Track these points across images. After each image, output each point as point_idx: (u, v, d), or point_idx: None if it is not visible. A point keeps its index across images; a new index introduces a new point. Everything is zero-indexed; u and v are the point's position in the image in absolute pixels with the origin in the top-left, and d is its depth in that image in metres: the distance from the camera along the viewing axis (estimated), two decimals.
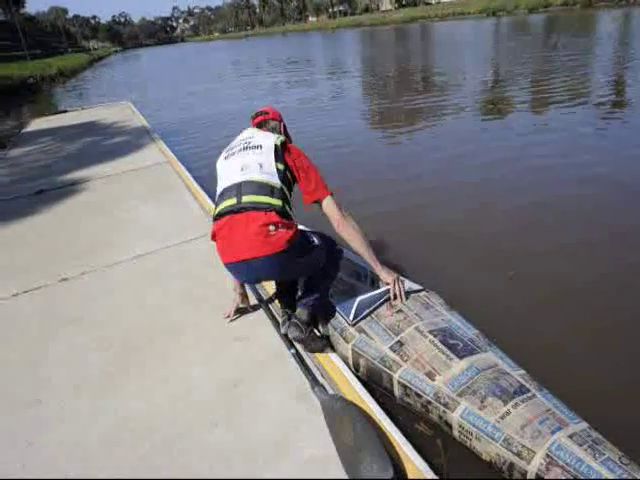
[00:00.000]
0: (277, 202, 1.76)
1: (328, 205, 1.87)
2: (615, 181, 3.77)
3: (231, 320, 2.15)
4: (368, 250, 1.91)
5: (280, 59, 22.66)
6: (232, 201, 1.77)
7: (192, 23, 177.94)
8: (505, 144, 5.10)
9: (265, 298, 2.29)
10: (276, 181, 1.79)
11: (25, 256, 3.18)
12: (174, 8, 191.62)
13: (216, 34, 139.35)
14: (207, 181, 4.48)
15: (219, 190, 1.88)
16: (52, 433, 1.66)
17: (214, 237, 1.86)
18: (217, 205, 1.85)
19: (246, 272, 1.83)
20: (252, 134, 1.97)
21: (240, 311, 2.18)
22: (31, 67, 24.63)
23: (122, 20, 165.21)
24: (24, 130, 8.96)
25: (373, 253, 1.93)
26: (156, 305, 2.38)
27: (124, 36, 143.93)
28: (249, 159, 1.83)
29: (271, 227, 1.69)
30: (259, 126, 2.05)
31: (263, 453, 1.48)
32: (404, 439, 1.49)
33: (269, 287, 2.37)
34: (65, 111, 11.16)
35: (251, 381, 1.79)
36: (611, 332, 2.14)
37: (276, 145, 1.86)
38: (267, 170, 1.80)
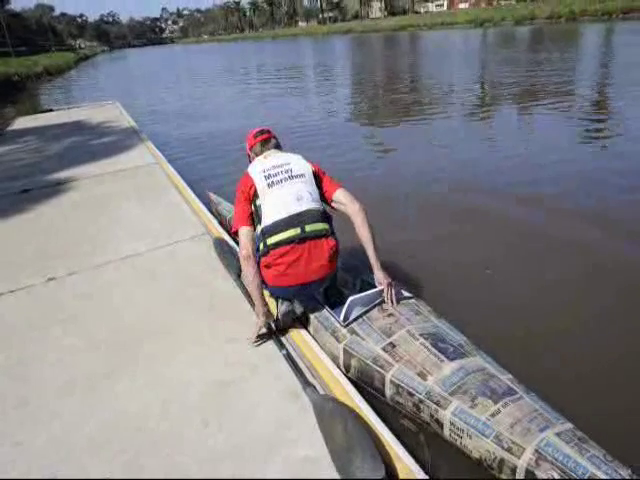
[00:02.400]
0: (327, 225, 1.99)
1: (344, 193, 2.05)
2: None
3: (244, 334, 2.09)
4: (375, 243, 2.00)
5: (274, 65, 22.66)
6: (295, 231, 1.90)
7: (181, 25, 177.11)
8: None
9: None
10: (322, 207, 2.02)
11: (10, 256, 3.13)
12: (163, 9, 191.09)
13: (205, 37, 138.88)
14: (196, 183, 4.48)
15: (272, 219, 1.93)
16: (40, 433, 1.64)
17: (265, 264, 1.94)
18: (271, 234, 1.91)
19: (307, 291, 2.02)
20: (287, 160, 2.07)
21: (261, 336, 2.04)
22: (16, 64, 24.22)
23: (110, 19, 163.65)
24: (8, 128, 8.81)
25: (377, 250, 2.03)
26: (146, 306, 2.36)
27: (112, 36, 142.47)
28: (299, 188, 1.98)
29: (333, 250, 1.97)
30: (275, 146, 2.22)
31: (254, 453, 1.49)
32: (395, 439, 1.52)
33: None
34: (51, 110, 11.01)
35: (242, 382, 1.80)
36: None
37: (313, 172, 2.06)
38: (315, 198, 2.01)
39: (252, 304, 2.15)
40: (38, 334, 2.22)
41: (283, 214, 1.92)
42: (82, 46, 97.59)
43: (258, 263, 1.95)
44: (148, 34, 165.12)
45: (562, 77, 9.95)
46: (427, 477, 1.40)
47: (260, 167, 2.04)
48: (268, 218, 1.93)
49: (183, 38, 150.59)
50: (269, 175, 1.99)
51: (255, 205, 1.99)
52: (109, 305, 2.41)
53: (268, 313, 1.99)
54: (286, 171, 2.01)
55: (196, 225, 3.34)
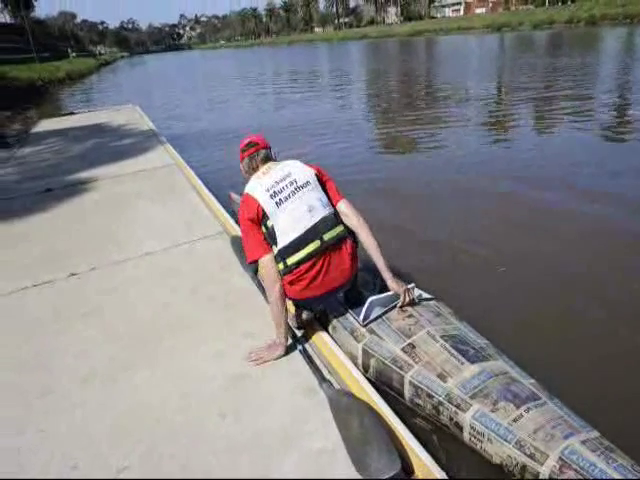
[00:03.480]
0: (343, 226, 1.95)
1: (347, 205, 2.00)
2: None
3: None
4: (383, 255, 1.96)
5: (293, 71, 22.81)
6: (315, 244, 1.85)
7: (198, 31, 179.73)
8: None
9: None
10: (333, 209, 1.96)
11: (33, 252, 3.21)
12: (181, 15, 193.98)
13: (222, 42, 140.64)
14: (214, 183, 4.54)
15: (289, 239, 1.83)
16: (62, 422, 1.68)
17: (288, 281, 1.88)
18: (290, 253, 1.83)
19: (332, 297, 2.03)
20: (287, 171, 1.94)
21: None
22: (39, 69, 24.85)
23: (130, 26, 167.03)
24: (32, 130, 9.05)
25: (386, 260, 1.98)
26: (165, 301, 2.40)
27: (131, 42, 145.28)
28: (308, 198, 1.90)
29: (353, 250, 1.96)
30: (265, 159, 2.03)
31: (270, 444, 1.50)
32: (411, 435, 1.51)
33: None
34: (72, 113, 11.26)
35: (259, 376, 1.81)
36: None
37: (316, 175, 1.98)
38: (325, 202, 1.94)
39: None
40: (61, 326, 2.27)
41: (299, 231, 1.84)
42: (102, 52, 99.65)
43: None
44: (166, 40, 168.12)
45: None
46: (444, 475, 1.38)
47: (262, 186, 1.88)
48: (284, 238, 1.84)
49: (200, 44, 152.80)
50: (274, 193, 1.86)
51: (266, 226, 1.86)
52: (129, 300, 2.46)
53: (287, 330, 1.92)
54: (290, 184, 1.89)
55: (214, 224, 3.38)
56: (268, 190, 1.87)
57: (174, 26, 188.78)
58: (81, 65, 35.94)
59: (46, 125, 9.50)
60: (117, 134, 7.70)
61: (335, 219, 1.93)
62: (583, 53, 16.12)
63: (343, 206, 1.98)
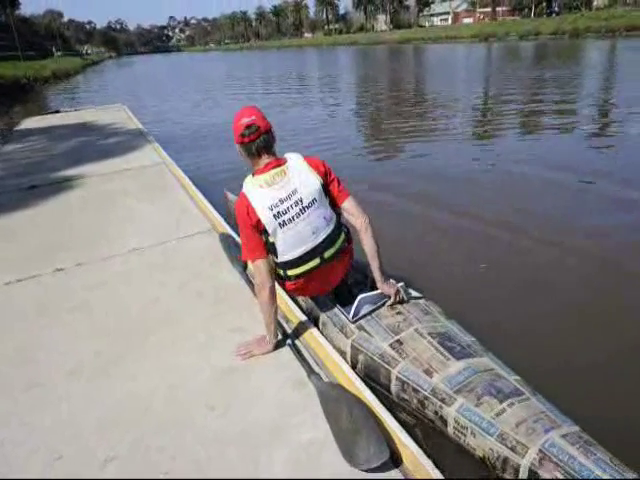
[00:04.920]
0: (343, 235, 1.98)
1: (353, 204, 1.95)
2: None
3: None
4: (380, 257, 1.97)
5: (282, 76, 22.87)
6: (315, 262, 1.89)
7: (188, 33, 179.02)
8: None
9: None
10: (336, 218, 1.95)
11: (18, 247, 3.16)
12: (170, 17, 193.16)
13: (212, 45, 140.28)
14: (203, 183, 4.53)
15: (289, 256, 1.84)
16: (47, 415, 1.66)
17: (287, 285, 1.98)
18: (289, 267, 1.88)
19: (324, 296, 2.14)
20: (293, 187, 1.79)
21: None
22: (25, 68, 24.50)
23: (118, 27, 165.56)
24: (16, 128, 8.90)
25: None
26: (153, 296, 2.39)
27: (119, 42, 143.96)
28: (313, 219, 1.83)
29: (350, 259, 2.07)
30: (266, 147, 1.82)
31: (260, 436, 1.50)
32: (398, 425, 1.53)
33: None
34: (58, 111, 11.11)
35: (247, 369, 1.81)
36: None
37: (322, 184, 1.86)
38: (329, 217, 1.90)
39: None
40: (46, 321, 2.24)
41: (301, 251, 1.84)
42: (89, 52, 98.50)
43: (278, 280, 1.97)
44: (155, 42, 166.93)
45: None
46: (432, 464, 1.40)
47: (264, 202, 1.76)
48: (284, 255, 1.84)
49: (190, 46, 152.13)
50: (278, 213, 1.76)
51: (267, 239, 1.82)
52: (116, 295, 2.44)
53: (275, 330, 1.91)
54: (296, 203, 1.78)
55: (202, 222, 3.37)
56: (271, 209, 1.76)
57: (163, 28, 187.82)
58: (67, 64, 35.48)
59: (31, 123, 9.35)
60: (104, 133, 7.62)
61: (337, 232, 1.93)
62: (568, 63, 16.48)
63: (348, 205, 1.94)
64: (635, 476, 1.23)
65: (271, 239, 1.81)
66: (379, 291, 2.02)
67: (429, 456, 1.43)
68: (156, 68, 40.83)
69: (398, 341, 1.81)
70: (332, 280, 2.06)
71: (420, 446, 1.47)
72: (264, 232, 1.80)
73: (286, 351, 1.90)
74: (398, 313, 1.96)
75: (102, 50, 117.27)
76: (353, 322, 1.96)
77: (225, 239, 2.88)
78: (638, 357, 2.08)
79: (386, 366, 1.76)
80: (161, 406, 1.66)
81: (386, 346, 1.81)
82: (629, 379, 1.96)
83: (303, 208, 1.80)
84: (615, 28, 32.04)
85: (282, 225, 1.78)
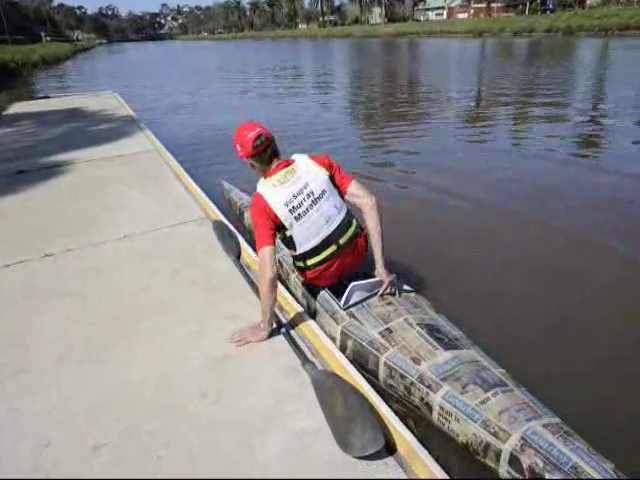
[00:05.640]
0: (356, 222, 2.03)
1: (357, 186, 2.02)
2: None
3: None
4: (383, 240, 2.01)
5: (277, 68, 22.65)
6: (332, 249, 1.96)
7: (180, 21, 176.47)
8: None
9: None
10: (345, 207, 2.01)
11: (5, 232, 3.09)
12: (163, 5, 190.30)
13: (205, 34, 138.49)
14: (194, 170, 4.48)
15: (306, 247, 1.93)
16: (35, 401, 1.63)
17: (307, 274, 2.04)
18: (308, 257, 1.96)
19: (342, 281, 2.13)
20: (304, 182, 1.90)
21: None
22: (13, 51, 23.97)
23: (109, 13, 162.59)
24: (4, 113, 8.71)
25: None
26: (145, 283, 2.35)
27: (111, 29, 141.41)
28: (326, 209, 1.93)
29: (364, 243, 2.07)
30: (276, 151, 1.94)
31: (253, 423, 1.49)
32: (392, 413, 1.53)
33: None
34: (47, 97, 10.90)
35: (241, 357, 1.80)
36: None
37: (329, 176, 1.97)
38: (340, 206, 1.98)
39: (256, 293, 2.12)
40: (35, 306, 2.20)
41: (318, 240, 1.93)
42: (79, 38, 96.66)
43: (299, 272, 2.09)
44: (147, 29, 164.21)
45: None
46: (426, 451, 1.40)
47: (279, 198, 1.85)
48: (303, 246, 1.94)
49: (182, 34, 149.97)
50: (293, 208, 1.86)
51: (284, 235, 1.92)
52: (107, 282, 2.40)
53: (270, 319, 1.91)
54: (308, 196, 1.89)
55: (195, 209, 3.33)
56: (287, 205, 1.86)
57: (155, 15, 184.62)
58: (57, 49, 34.78)
59: (19, 108, 9.16)
60: (95, 119, 7.49)
61: (349, 218, 2.00)
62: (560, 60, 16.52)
63: (354, 188, 2.01)
64: (611, 465, 1.27)
65: (288, 233, 1.91)
66: (371, 280, 2.04)
67: (424, 445, 1.43)
68: (150, 56, 40.22)
69: (388, 329, 1.84)
70: (350, 265, 2.08)
71: (414, 435, 1.48)
72: (282, 228, 1.89)
73: (281, 339, 1.88)
74: (389, 304, 1.98)
75: (93, 36, 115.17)
76: (344, 309, 1.98)
77: (219, 227, 2.84)
78: (623, 356, 2.09)
79: (375, 352, 1.79)
80: (153, 393, 1.64)
81: (376, 334, 1.84)
82: (616, 376, 1.98)
83: (315, 200, 1.91)
84: (608, 27, 32.20)
85: (298, 218, 1.89)
